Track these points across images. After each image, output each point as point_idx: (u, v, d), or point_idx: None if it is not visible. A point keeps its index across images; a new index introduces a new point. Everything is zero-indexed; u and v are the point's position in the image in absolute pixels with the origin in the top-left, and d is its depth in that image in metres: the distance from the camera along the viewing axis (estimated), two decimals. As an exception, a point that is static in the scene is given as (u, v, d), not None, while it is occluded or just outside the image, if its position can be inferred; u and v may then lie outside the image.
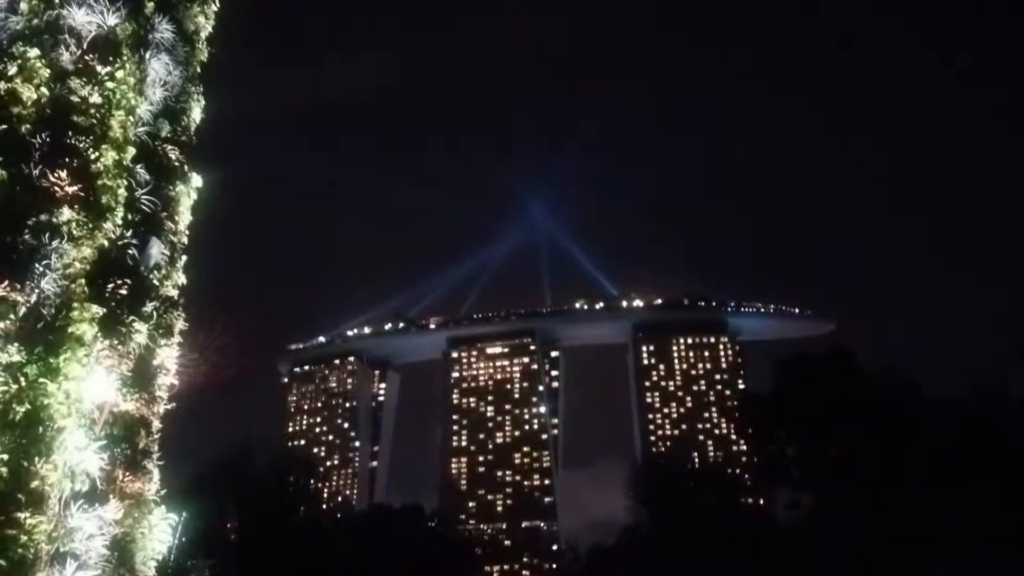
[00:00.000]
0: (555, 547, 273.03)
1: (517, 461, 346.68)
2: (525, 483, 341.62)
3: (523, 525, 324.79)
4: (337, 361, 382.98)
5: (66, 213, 11.39)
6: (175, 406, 13.61)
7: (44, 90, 11.97)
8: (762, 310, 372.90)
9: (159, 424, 12.89)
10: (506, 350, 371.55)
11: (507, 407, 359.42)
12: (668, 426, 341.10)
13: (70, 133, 12.01)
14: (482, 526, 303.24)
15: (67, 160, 11.76)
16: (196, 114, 14.93)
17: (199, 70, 15.13)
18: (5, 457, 9.97)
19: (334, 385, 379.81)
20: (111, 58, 12.75)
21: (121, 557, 11.46)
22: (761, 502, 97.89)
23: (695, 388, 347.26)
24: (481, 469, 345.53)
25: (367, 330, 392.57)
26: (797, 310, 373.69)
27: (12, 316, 10.55)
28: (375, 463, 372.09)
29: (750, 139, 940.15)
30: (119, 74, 12.76)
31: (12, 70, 11.63)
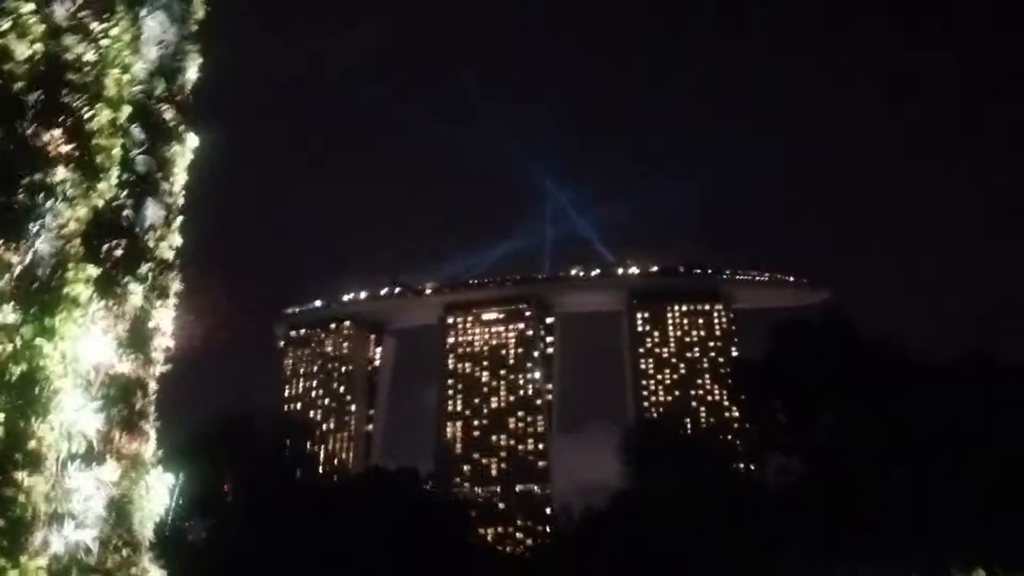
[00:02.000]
0: (548, 510, 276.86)
1: (511, 426, 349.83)
2: (519, 447, 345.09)
3: (517, 489, 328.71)
4: (333, 326, 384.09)
5: (60, 172, 11.24)
6: (171, 368, 13.57)
7: (38, 47, 11.73)
8: (757, 278, 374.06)
9: (155, 386, 12.87)
10: (502, 316, 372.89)
11: (502, 372, 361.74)
12: (661, 392, 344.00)
13: (64, 91, 11.81)
14: (476, 489, 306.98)
15: (61, 119, 11.57)
16: (193, 73, 14.67)
17: (195, 28, 14.84)
18: (1, 417, 9.96)
19: (330, 350, 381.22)
20: (106, 15, 12.49)
21: (119, 517, 11.51)
22: (752, 468, 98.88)
23: (689, 355, 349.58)
24: (476, 433, 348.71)
25: (363, 295, 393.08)
26: (792, 278, 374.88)
27: (7, 276, 10.47)
28: (371, 427, 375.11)
29: (749, 106, 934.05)
30: (114, 31, 12.51)
31: (5, 25, 11.40)
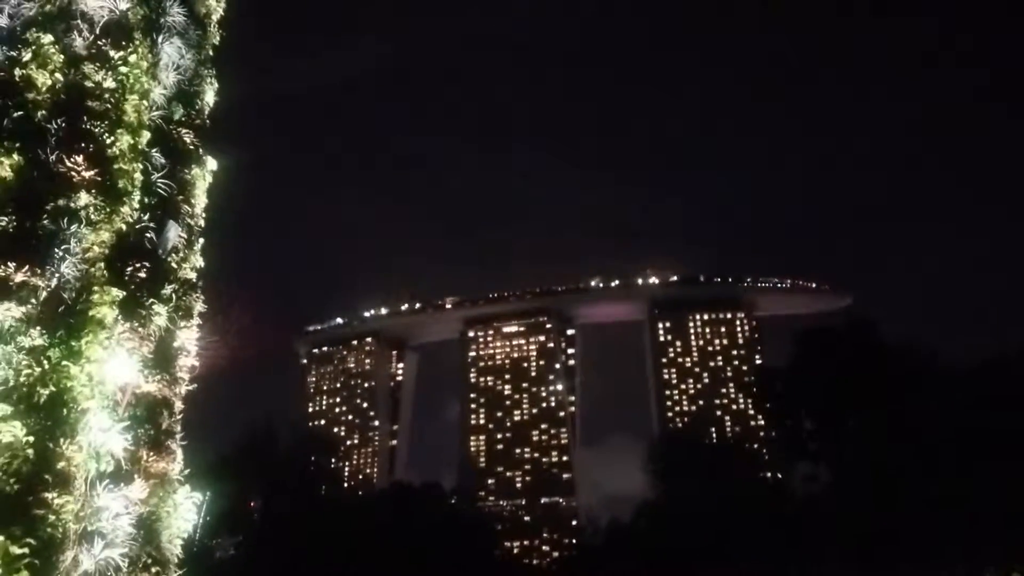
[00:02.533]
0: (574, 522, 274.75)
1: (535, 438, 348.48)
2: (543, 460, 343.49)
3: (542, 501, 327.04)
4: (355, 342, 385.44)
5: (84, 198, 11.49)
6: (196, 387, 13.76)
7: (58, 76, 12.03)
8: (778, 285, 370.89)
9: (181, 405, 13.06)
10: (522, 329, 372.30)
11: (524, 385, 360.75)
12: (685, 402, 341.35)
13: (85, 118, 12.08)
14: (501, 502, 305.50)
15: (83, 145, 11.84)
16: (210, 97, 14.95)
17: (211, 53, 15.13)
18: (31, 439, 10.15)
19: (352, 366, 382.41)
20: (124, 43, 12.78)
21: (147, 535, 11.66)
22: (779, 476, 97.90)
23: (712, 364, 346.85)
24: (499, 447, 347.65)
25: (384, 311, 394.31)
26: (814, 284, 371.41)
27: (33, 300, 10.69)
28: (394, 442, 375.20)
29: (769, 112, 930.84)
30: (132, 58, 12.80)
31: (27, 56, 11.70)
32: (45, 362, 10.70)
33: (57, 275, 11.15)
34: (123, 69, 12.62)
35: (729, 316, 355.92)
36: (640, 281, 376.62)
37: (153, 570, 11.69)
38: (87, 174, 11.74)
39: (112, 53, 12.60)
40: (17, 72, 11.77)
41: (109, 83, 12.43)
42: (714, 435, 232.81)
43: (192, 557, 12.92)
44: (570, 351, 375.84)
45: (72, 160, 11.67)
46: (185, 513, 12.66)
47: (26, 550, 9.87)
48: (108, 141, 12.15)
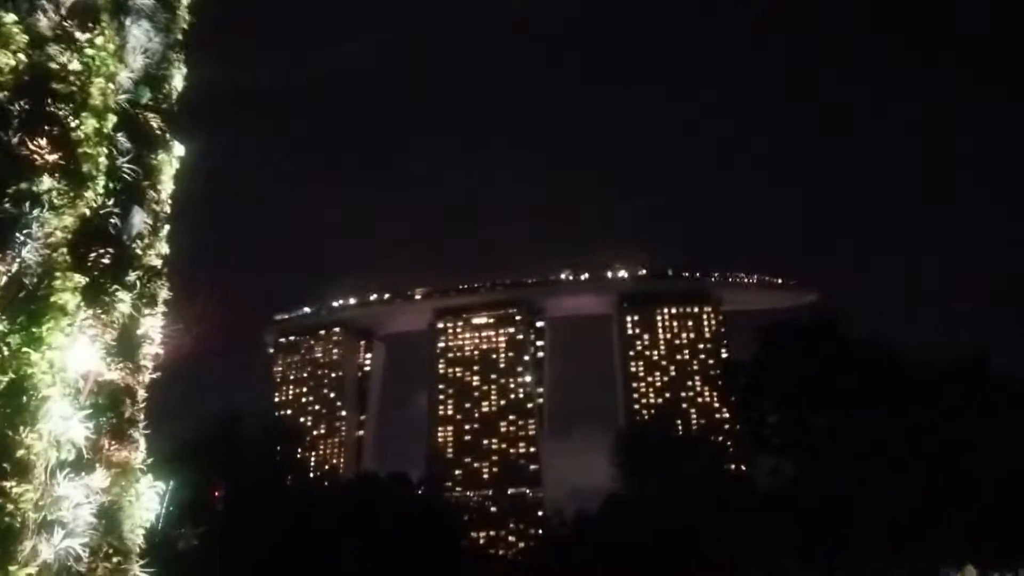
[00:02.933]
0: (540, 513, 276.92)
1: (503, 429, 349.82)
2: (511, 451, 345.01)
3: (509, 492, 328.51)
4: (323, 332, 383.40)
5: (47, 182, 11.26)
6: (160, 376, 13.58)
7: (22, 56, 11.76)
8: (746, 280, 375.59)
9: (144, 393, 12.87)
10: (492, 320, 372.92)
11: (493, 377, 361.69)
12: (652, 395, 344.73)
13: (49, 100, 11.83)
14: (468, 493, 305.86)
15: (47, 128, 11.59)
16: (178, 82, 14.69)
17: (180, 37, 14.87)
18: (-10, 427, 9.95)
19: (320, 355, 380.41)
20: (90, 24, 12.51)
21: (109, 525, 11.50)
22: (743, 469, 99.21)
23: (679, 357, 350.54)
24: (467, 438, 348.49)
25: (352, 300, 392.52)
26: (780, 280, 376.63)
27: (-6, 286, 10.47)
28: (362, 432, 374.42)
29: (735, 108, 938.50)
30: (98, 40, 12.54)
31: (-11, 36, 11.43)
32: (4, 348, 10.49)
33: (18, 260, 10.93)
34: (89, 51, 12.37)
35: (697, 310, 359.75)
36: (609, 274, 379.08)
37: (115, 560, 11.54)
38: (50, 157, 11.50)
39: (78, 34, 12.34)
40: (-22, 52, 11.49)
41: (75, 65, 12.18)
42: (680, 428, 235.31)
43: (154, 547, 12.76)
44: (539, 343, 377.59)
45: (35, 143, 11.42)
46: (148, 503, 12.50)
47: (-17, 539, 9.71)
48: (73, 124, 11.91)
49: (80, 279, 11.39)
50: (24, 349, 10.55)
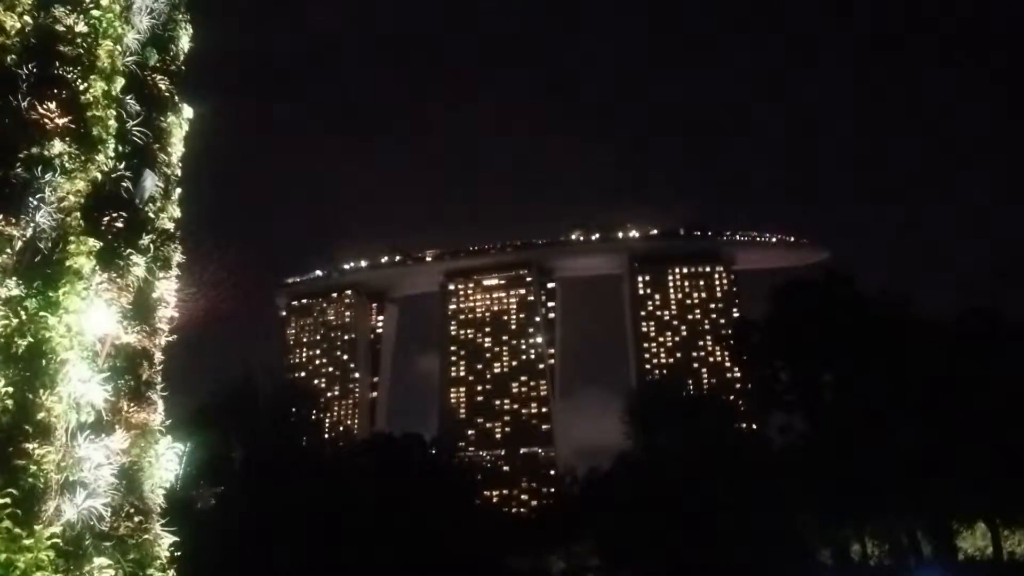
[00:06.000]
0: (552, 472, 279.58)
1: (515, 390, 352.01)
2: (523, 411, 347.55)
3: (521, 452, 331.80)
4: (335, 294, 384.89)
5: (57, 145, 11.22)
6: (176, 338, 13.67)
7: (27, 19, 11.65)
8: (758, 239, 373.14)
9: (161, 356, 12.97)
10: (503, 282, 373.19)
11: (504, 338, 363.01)
12: (663, 354, 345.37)
13: (57, 63, 11.73)
14: (481, 453, 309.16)
15: (55, 91, 11.52)
16: (184, 43, 14.54)
17: (185, -2, 14.71)
18: (10, 390, 10.08)
19: (332, 318, 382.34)
20: (95, -16, 12.38)
21: (129, 485, 11.68)
22: (755, 427, 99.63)
23: (690, 317, 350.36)
24: (479, 398, 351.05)
25: (364, 263, 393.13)
26: (792, 238, 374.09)
27: (9, 250, 10.52)
28: (375, 394, 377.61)
29: (748, 68, 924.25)
30: (104, 1, 12.40)
31: (-7, -2, 11.31)
32: (22, 312, 10.56)
33: (32, 224, 10.95)
34: (95, 12, 12.24)
35: (708, 270, 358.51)
36: (620, 235, 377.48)
37: (136, 519, 11.74)
38: (60, 121, 11.45)
39: (83, -5, 12.22)
40: (-16, 15, 11.39)
41: (81, 27, 12.06)
42: (691, 387, 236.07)
43: (173, 507, 12.98)
44: (550, 304, 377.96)
45: (44, 107, 11.37)
46: (167, 463, 12.69)
47: (8, 500, 9.88)
48: (81, 87, 11.84)
49: (94, 243, 11.42)
50: (41, 313, 10.63)
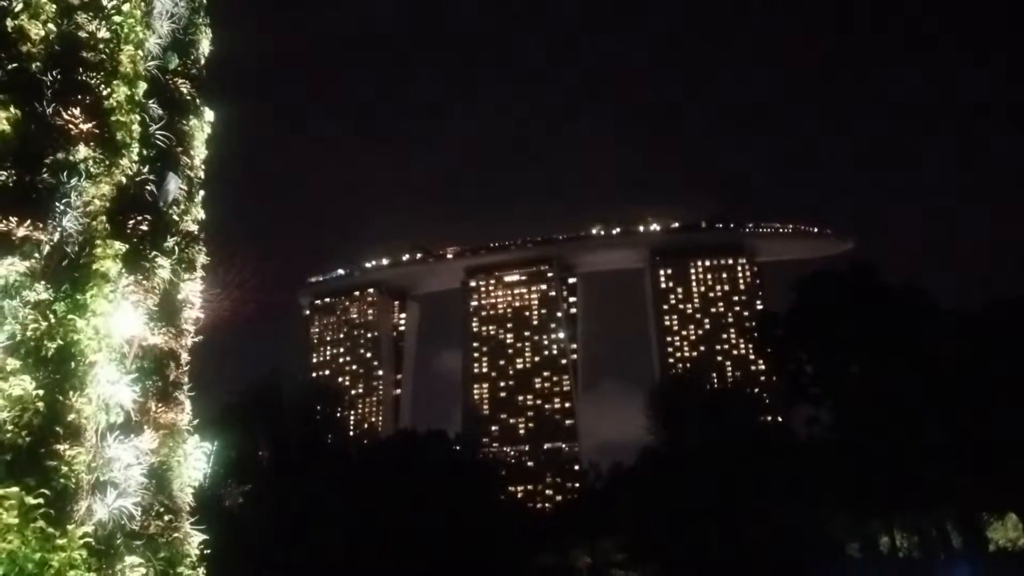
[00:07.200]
0: (576, 467, 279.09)
1: (537, 385, 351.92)
2: (546, 407, 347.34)
3: (545, 447, 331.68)
4: (357, 293, 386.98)
5: (82, 151, 11.38)
6: (201, 339, 13.82)
7: (51, 26, 11.81)
8: (780, 230, 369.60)
9: (187, 357, 13.13)
10: (524, 278, 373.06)
11: (526, 334, 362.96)
12: (686, 348, 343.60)
13: (80, 69, 11.90)
14: (505, 448, 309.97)
15: (79, 97, 11.68)
16: (205, 46, 14.69)
17: (205, 1, 14.84)
18: (41, 392, 10.25)
19: (355, 316, 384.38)
20: (115, -10, 12.53)
21: (159, 484, 11.84)
22: (780, 420, 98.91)
23: (713, 310, 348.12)
24: (502, 394, 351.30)
25: (386, 261, 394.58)
26: (816, 229, 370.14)
27: (36, 255, 10.69)
28: (398, 391, 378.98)
29: (768, 61, 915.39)
30: (125, 7, 12.55)
31: (18, 7, 11.49)
32: (51, 316, 10.74)
33: (59, 229, 11.12)
34: (116, 18, 12.40)
35: (730, 262, 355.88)
36: (641, 228, 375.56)
37: (166, 518, 11.90)
38: (85, 126, 11.61)
39: (104, 2, 12.37)
40: (9, 23, 11.57)
41: (103, 33, 12.22)
42: (715, 380, 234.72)
43: (202, 505, 13.14)
44: (571, 299, 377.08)
45: (69, 112, 11.54)
46: (195, 463, 12.84)
47: (41, 500, 10.05)
48: (104, 92, 12.00)
49: (120, 246, 11.60)
50: (69, 316, 10.81)
